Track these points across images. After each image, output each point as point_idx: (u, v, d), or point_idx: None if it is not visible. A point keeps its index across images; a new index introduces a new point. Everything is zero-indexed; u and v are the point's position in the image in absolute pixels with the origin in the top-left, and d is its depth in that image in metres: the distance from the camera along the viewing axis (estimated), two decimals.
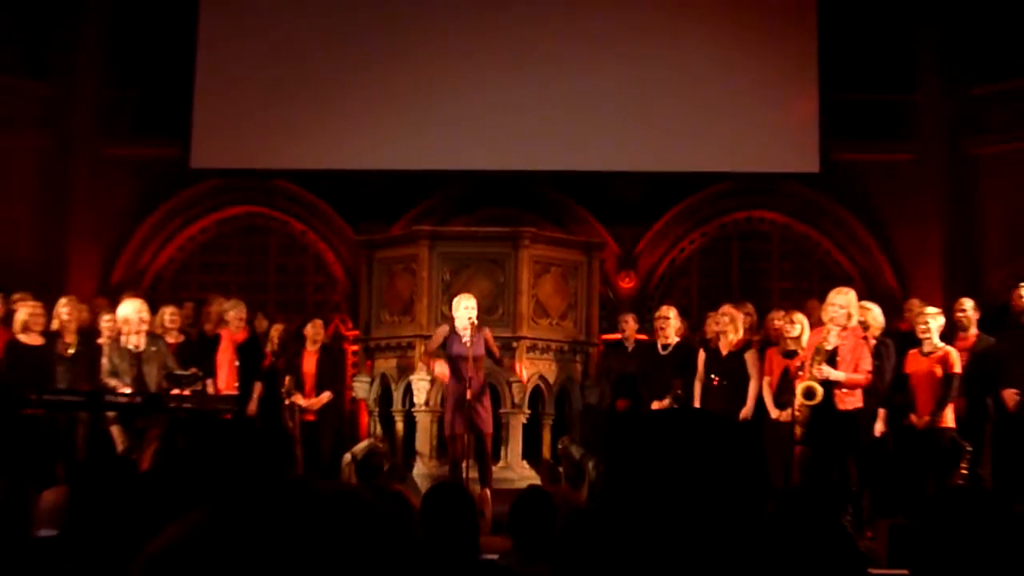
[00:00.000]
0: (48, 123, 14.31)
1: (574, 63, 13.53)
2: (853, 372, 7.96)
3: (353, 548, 1.10)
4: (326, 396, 10.12)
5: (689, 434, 2.07)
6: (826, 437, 7.91)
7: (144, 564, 1.16)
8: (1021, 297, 8.99)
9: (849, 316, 8.08)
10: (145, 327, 9.01)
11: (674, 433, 2.10)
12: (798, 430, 8.00)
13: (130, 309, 9.01)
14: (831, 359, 7.95)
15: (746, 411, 9.03)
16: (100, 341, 9.28)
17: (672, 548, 1.98)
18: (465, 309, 8.42)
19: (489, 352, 8.63)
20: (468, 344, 8.32)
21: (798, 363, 8.22)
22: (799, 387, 7.95)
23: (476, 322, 8.40)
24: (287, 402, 9.97)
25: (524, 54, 13.56)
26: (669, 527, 1.99)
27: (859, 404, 8.06)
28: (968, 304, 9.40)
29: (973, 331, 9.24)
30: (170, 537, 1.15)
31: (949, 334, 9.16)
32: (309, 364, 10.17)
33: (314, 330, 10.32)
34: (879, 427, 8.81)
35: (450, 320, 8.60)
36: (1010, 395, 8.80)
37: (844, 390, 7.95)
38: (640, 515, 2.02)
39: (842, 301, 8.11)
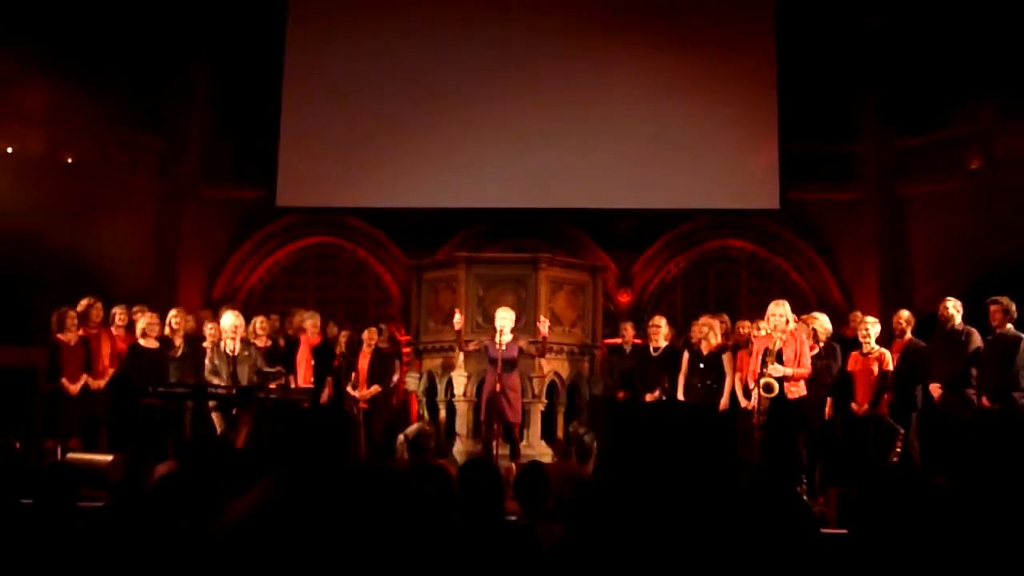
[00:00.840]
0: (163, 169, 14.45)
1: (580, 124, 13.79)
2: (797, 367, 7.88)
3: (392, 513, 1.11)
4: (374, 389, 10.07)
5: (674, 421, 2.07)
6: (779, 422, 7.83)
7: (224, 524, 1.17)
8: (946, 308, 8.90)
9: (788, 321, 7.97)
10: (240, 335, 9.03)
11: (662, 420, 2.10)
12: (761, 418, 7.92)
13: (228, 321, 9.03)
14: (779, 358, 7.88)
15: (724, 401, 8.98)
16: (204, 345, 9.30)
17: (661, 510, 1.98)
18: (502, 319, 8.57)
19: (527, 354, 8.76)
20: (501, 350, 8.43)
21: (758, 365, 8.12)
22: (760, 382, 7.89)
23: (506, 328, 8.50)
24: (350, 394, 9.97)
25: (536, 121, 13.81)
26: (659, 494, 1.98)
27: (803, 393, 7.93)
28: (905, 314, 9.35)
29: (908, 336, 9.17)
30: (246, 503, 1.16)
31: (887, 339, 9.11)
32: (363, 363, 10.14)
33: (369, 335, 10.26)
34: (827, 412, 8.77)
35: (489, 332, 8.68)
36: (935, 389, 8.72)
37: (791, 382, 7.87)
38: (635, 484, 2.02)
39: (780, 311, 7.99)
